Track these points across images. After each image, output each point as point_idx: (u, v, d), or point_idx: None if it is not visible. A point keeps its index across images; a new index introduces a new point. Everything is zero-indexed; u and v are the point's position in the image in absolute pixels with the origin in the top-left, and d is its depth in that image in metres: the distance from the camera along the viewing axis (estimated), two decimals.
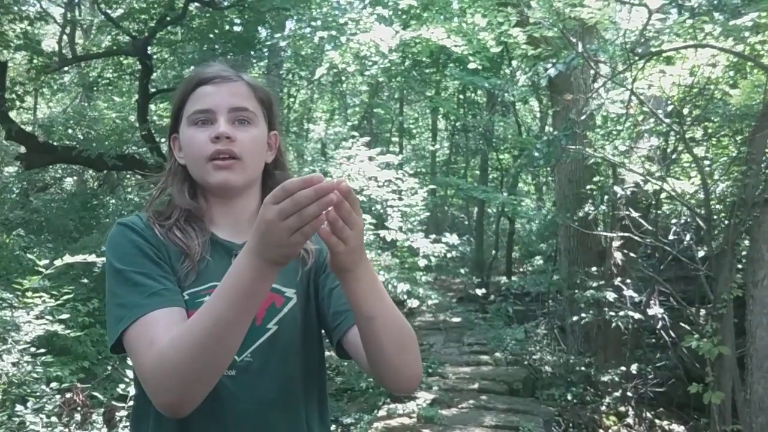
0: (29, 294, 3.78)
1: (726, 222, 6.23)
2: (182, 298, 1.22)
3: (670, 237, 7.06)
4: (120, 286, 1.21)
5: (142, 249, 1.24)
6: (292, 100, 15.39)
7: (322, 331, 1.41)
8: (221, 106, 1.30)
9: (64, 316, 3.84)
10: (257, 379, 1.26)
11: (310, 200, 0.95)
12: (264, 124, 1.38)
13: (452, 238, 7.38)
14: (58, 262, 3.57)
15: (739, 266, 6.41)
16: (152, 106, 10.50)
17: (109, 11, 9.20)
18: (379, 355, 1.20)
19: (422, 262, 7.14)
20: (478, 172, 16.96)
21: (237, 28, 10.03)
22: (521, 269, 14.74)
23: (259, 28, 10.13)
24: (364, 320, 1.16)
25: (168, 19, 8.82)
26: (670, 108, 6.46)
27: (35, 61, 9.05)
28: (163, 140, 9.73)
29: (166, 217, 1.32)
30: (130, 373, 3.58)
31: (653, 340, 7.59)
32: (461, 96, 15.77)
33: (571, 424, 6.84)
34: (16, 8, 8.47)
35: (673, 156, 6.93)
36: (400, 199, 7.46)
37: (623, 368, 7.18)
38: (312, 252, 1.39)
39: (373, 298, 1.15)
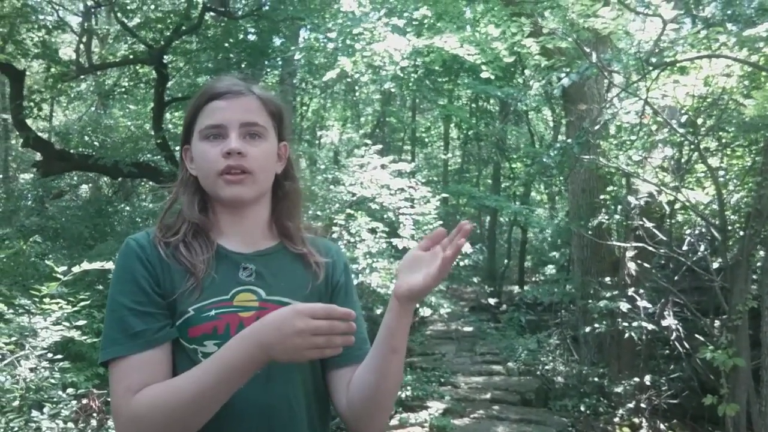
0: (47, 300, 3.82)
1: (741, 233, 6.19)
2: (166, 334, 1.25)
3: (684, 247, 7.02)
4: (110, 315, 1.26)
5: (137, 280, 1.27)
6: (304, 108, 15.47)
7: None
8: (232, 122, 1.33)
9: (81, 323, 3.87)
10: (264, 390, 1.28)
11: (342, 332, 1.08)
12: (274, 137, 1.40)
13: (465, 247, 7.38)
14: (75, 269, 3.62)
15: (754, 277, 6.36)
16: (167, 115, 10.59)
17: (125, 20, 9.31)
18: (381, 389, 1.29)
19: None
20: (490, 181, 16.95)
21: (251, 38, 10.11)
22: (533, 278, 14.69)
23: (274, 37, 10.20)
24: (389, 350, 1.27)
25: (184, 28, 8.91)
26: (684, 118, 6.45)
27: (53, 69, 9.16)
28: (177, 148, 9.78)
29: (174, 233, 1.34)
30: None
31: (667, 352, 7.53)
32: (474, 105, 15.80)
33: None
34: (33, 17, 8.59)
35: (687, 166, 6.91)
36: (413, 207, 7.47)
37: (637, 379, 7.13)
38: (322, 265, 1.42)
39: (405, 333, 1.27)
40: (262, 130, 1.36)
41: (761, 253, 6.21)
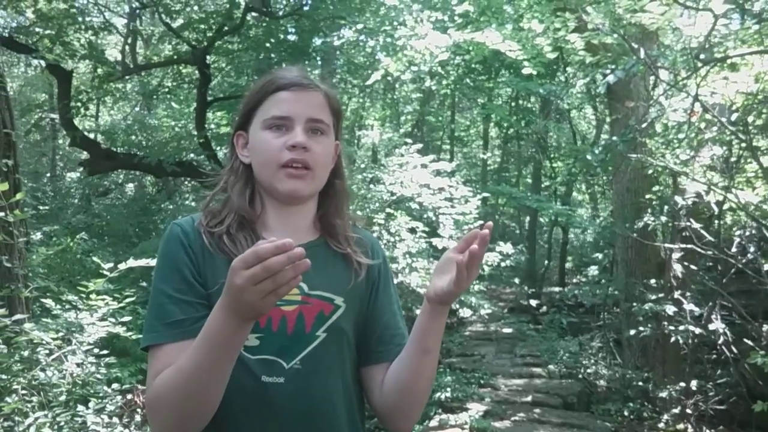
0: (93, 296, 3.88)
1: None
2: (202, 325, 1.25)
3: (733, 249, 6.81)
4: (152, 300, 1.27)
5: (180, 268, 1.27)
6: (344, 107, 15.49)
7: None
8: (300, 116, 1.32)
9: (127, 319, 3.92)
10: (305, 385, 1.27)
11: (282, 266, 0.97)
12: (333, 135, 1.39)
13: (506, 247, 7.30)
14: (122, 266, 3.66)
15: None
16: (209, 115, 10.72)
17: (169, 21, 9.44)
18: (414, 388, 1.31)
19: None
20: (530, 181, 16.76)
21: (292, 38, 10.16)
22: (574, 280, 14.47)
23: (314, 37, 10.24)
24: (422, 351, 1.28)
25: (226, 28, 9.00)
26: (734, 116, 6.25)
27: (99, 70, 9.34)
28: (219, 148, 9.92)
29: (219, 222, 1.33)
30: None
31: (714, 356, 7.32)
32: (513, 104, 15.64)
33: None
34: (80, 18, 8.77)
35: (737, 166, 6.70)
36: (453, 207, 7.42)
37: (683, 384, 6.95)
38: (364, 266, 1.41)
39: (439, 334, 1.28)
40: (325, 127, 1.36)
41: None
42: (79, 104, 9.21)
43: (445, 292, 1.20)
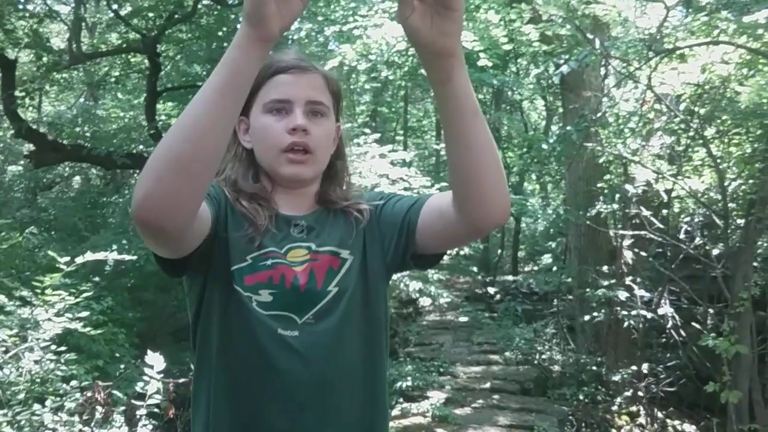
0: (48, 292, 3.76)
1: (739, 221, 6.20)
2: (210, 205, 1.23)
3: (681, 235, 7.03)
4: None
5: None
6: None
7: (401, 254, 1.37)
8: (299, 98, 1.33)
9: (84, 314, 3.81)
10: (320, 339, 1.29)
11: None
12: (333, 116, 1.41)
13: None
14: (79, 260, 3.56)
15: (755, 264, 6.36)
16: (160, 105, 10.47)
17: (117, 8, 9.17)
18: (482, 163, 1.15)
19: None
20: None
21: None
22: (527, 269, 14.70)
23: None
24: (470, 116, 1.12)
25: (177, 16, 8.80)
26: (682, 106, 6.43)
27: (45, 59, 9.02)
28: None
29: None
30: (148, 371, 3.56)
31: (663, 340, 7.55)
32: None
33: (583, 424, 6.81)
34: (21, 6, 8.46)
35: (684, 154, 6.90)
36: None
37: (634, 368, 7.15)
38: (365, 212, 1.41)
39: (468, 88, 1.12)
40: (325, 109, 1.37)
41: (760, 240, 6.23)
42: (23, 94, 8.88)
43: (436, 42, 1.02)
